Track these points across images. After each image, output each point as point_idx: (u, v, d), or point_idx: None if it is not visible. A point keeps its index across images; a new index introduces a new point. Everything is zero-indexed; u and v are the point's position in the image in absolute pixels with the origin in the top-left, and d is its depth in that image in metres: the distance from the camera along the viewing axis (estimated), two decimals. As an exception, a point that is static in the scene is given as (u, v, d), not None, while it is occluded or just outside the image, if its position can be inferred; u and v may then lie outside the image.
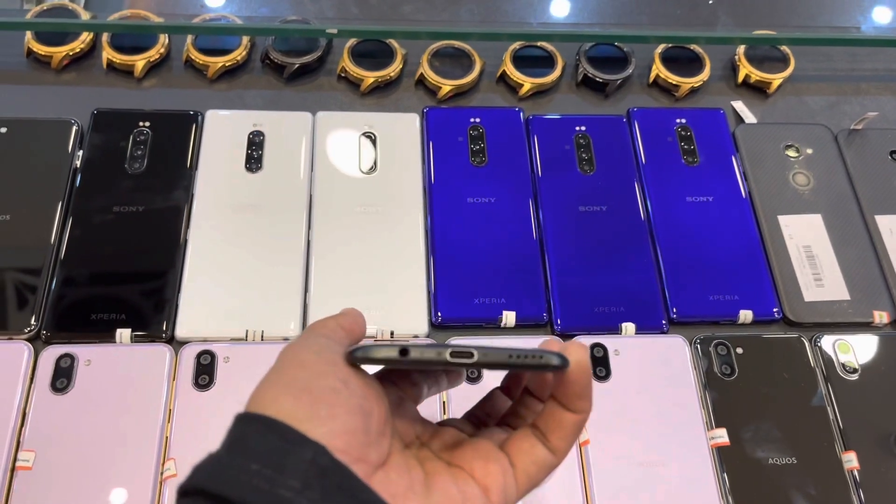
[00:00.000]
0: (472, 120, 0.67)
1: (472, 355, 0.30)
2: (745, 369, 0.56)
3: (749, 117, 0.70)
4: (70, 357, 0.53)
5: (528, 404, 0.35)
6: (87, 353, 0.53)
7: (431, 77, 0.68)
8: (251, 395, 0.30)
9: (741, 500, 0.51)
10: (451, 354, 0.30)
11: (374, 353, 0.30)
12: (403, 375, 0.36)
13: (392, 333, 0.56)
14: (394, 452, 0.31)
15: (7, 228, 0.58)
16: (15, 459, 0.49)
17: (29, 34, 0.67)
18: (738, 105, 0.71)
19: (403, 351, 0.30)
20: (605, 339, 0.57)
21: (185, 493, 0.27)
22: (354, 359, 0.30)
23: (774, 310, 0.60)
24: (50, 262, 0.57)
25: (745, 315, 0.59)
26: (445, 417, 0.38)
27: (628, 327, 0.58)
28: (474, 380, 0.53)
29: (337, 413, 0.28)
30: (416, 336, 0.56)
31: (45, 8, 0.68)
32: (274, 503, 0.26)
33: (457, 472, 0.32)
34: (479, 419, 0.37)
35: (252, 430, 0.28)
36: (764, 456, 0.53)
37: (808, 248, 0.62)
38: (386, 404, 0.32)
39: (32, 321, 0.54)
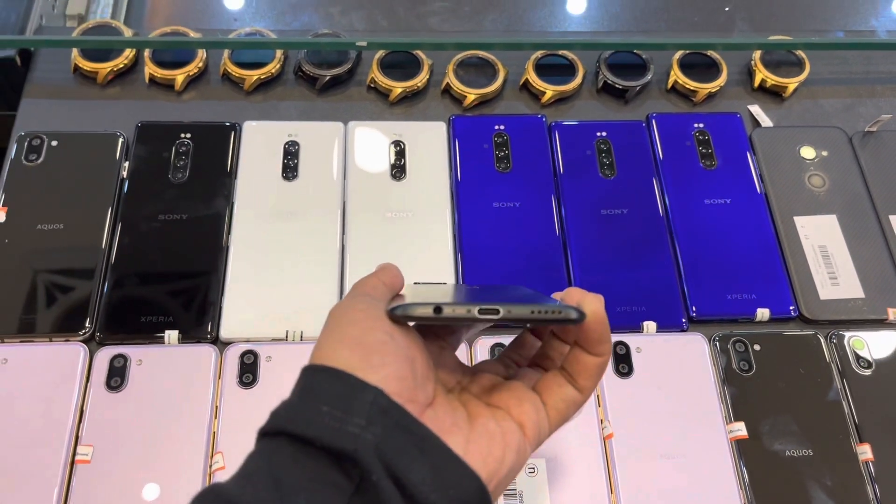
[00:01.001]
0: (496, 127, 0.70)
1: (497, 312, 0.33)
2: (763, 365, 0.59)
3: (765, 121, 0.72)
4: (123, 357, 0.56)
5: (555, 346, 0.39)
6: (138, 354, 0.57)
7: (457, 86, 0.71)
8: (312, 351, 0.34)
9: (760, 491, 0.54)
10: (480, 311, 0.33)
11: (411, 311, 0.34)
12: (442, 326, 0.40)
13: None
14: (438, 395, 0.35)
15: (60, 236, 0.61)
16: (74, 454, 0.53)
17: (75, 51, 0.70)
18: (755, 109, 0.73)
19: (437, 309, 0.33)
20: (627, 338, 0.59)
21: (265, 434, 0.32)
22: (394, 316, 0.34)
23: (791, 308, 0.62)
24: (101, 268, 0.60)
25: (763, 313, 0.61)
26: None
27: (649, 326, 0.60)
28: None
29: (387, 361, 0.33)
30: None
31: (90, 26, 0.72)
32: (344, 438, 0.30)
33: (495, 410, 0.35)
34: (513, 360, 0.41)
35: (320, 378, 0.32)
36: (781, 448, 0.55)
37: (824, 248, 0.65)
38: (426, 352, 0.36)
39: (87, 324, 0.58)
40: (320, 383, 0.32)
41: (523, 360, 0.41)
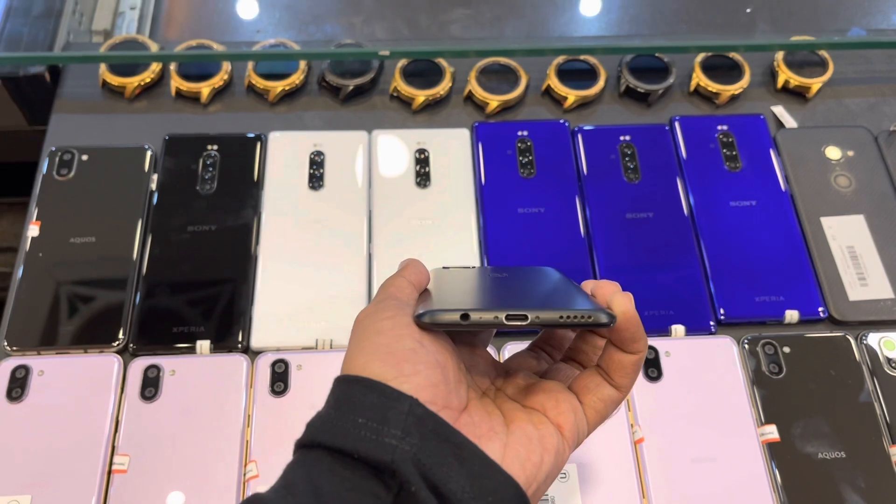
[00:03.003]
0: (519, 133, 0.70)
1: (526, 318, 0.33)
2: (793, 368, 0.58)
3: (789, 122, 0.72)
4: (156, 368, 0.57)
5: (589, 340, 0.39)
6: (171, 364, 0.57)
7: (479, 93, 0.72)
8: (343, 361, 0.35)
9: (793, 494, 0.54)
10: (507, 318, 0.33)
11: (438, 318, 0.34)
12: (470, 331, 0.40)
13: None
14: (472, 399, 0.36)
15: (93, 249, 0.62)
16: (111, 463, 0.54)
17: (103, 66, 0.71)
18: (779, 110, 0.73)
19: (464, 316, 0.33)
20: (656, 342, 0.59)
21: (303, 446, 0.32)
22: (421, 324, 0.34)
23: (820, 309, 0.62)
24: (133, 280, 0.61)
25: (791, 315, 0.61)
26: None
27: (678, 329, 0.60)
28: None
29: (419, 369, 0.33)
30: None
31: (117, 42, 0.73)
32: (381, 449, 0.30)
33: (532, 413, 0.36)
34: (546, 352, 0.41)
35: (354, 389, 0.32)
36: (813, 451, 0.55)
37: (852, 248, 0.64)
38: (457, 355, 0.36)
39: (120, 335, 0.59)
40: (355, 394, 0.32)
41: (557, 353, 0.41)
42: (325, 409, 0.33)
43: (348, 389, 0.33)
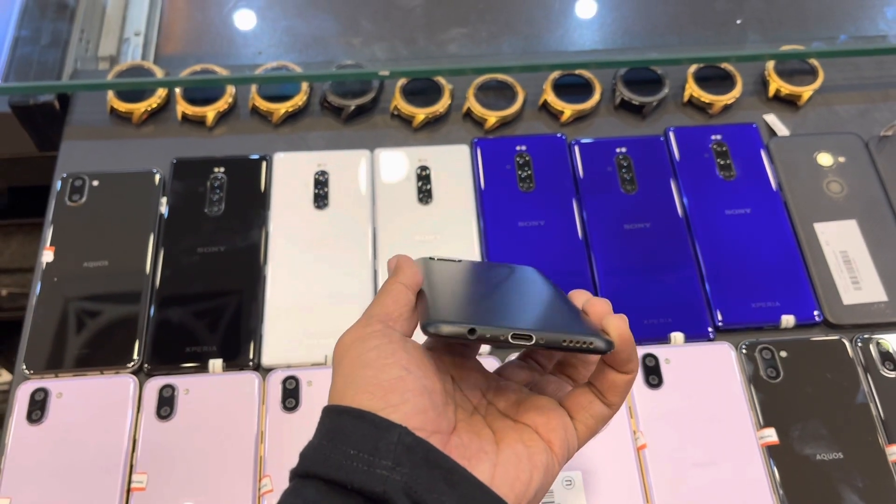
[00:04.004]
0: (518, 148, 0.72)
1: (530, 338, 0.34)
2: (790, 371, 0.60)
3: (781, 130, 0.74)
4: (171, 387, 0.59)
5: (581, 356, 0.40)
6: (185, 383, 0.59)
7: (478, 109, 0.73)
8: (332, 392, 0.36)
9: (792, 495, 0.55)
10: (512, 336, 0.34)
11: (444, 331, 0.34)
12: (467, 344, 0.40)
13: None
14: (461, 419, 0.37)
15: (106, 273, 0.64)
16: (130, 482, 0.55)
17: (111, 93, 0.73)
18: (771, 118, 0.75)
19: (471, 331, 0.34)
20: (655, 349, 0.61)
21: (298, 476, 0.34)
22: (427, 333, 0.34)
23: (815, 313, 0.63)
24: (146, 302, 0.63)
25: (787, 320, 0.63)
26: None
27: (677, 337, 0.62)
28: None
29: (407, 398, 0.34)
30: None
31: (123, 69, 0.75)
32: (374, 481, 0.31)
33: (522, 428, 0.36)
34: (537, 361, 0.42)
35: (345, 421, 0.33)
36: (812, 453, 0.57)
37: (845, 253, 0.66)
38: (443, 377, 0.37)
39: (135, 356, 0.60)
40: (346, 426, 0.33)
41: (547, 363, 0.42)
42: (318, 440, 0.34)
43: (339, 420, 0.33)
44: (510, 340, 0.34)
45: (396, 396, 0.33)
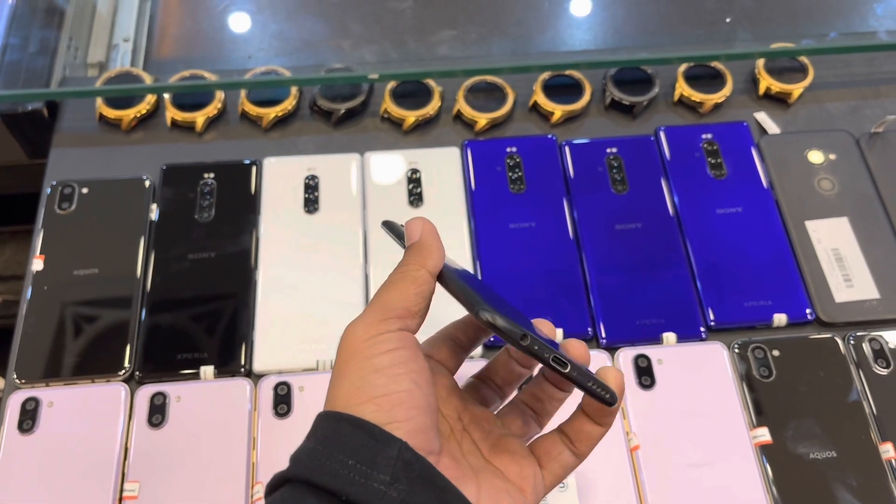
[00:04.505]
0: (508, 149, 0.72)
1: (566, 366, 0.34)
2: (783, 370, 0.60)
3: (772, 128, 0.74)
4: (162, 395, 0.58)
5: (547, 390, 0.39)
6: (176, 391, 0.59)
7: (468, 112, 0.73)
8: (332, 392, 0.33)
9: (786, 494, 0.55)
10: (553, 359, 0.33)
11: (500, 324, 0.32)
12: (452, 349, 0.40)
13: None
14: (444, 440, 0.36)
15: (96, 281, 0.64)
16: (122, 490, 0.55)
17: (100, 100, 0.73)
18: (761, 116, 0.75)
19: (524, 337, 0.33)
20: (648, 350, 0.61)
21: (287, 480, 0.32)
22: (481, 319, 0.33)
23: (807, 312, 0.63)
24: (137, 310, 0.62)
25: (780, 319, 0.63)
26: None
27: (669, 337, 0.62)
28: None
29: (412, 415, 0.33)
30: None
31: (112, 75, 0.75)
32: (369, 494, 0.30)
33: (495, 470, 0.36)
34: (494, 382, 0.41)
35: (344, 428, 0.32)
36: (805, 451, 0.57)
37: (837, 251, 0.66)
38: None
39: (126, 364, 0.60)
40: (344, 433, 0.32)
41: (507, 389, 0.41)
42: (312, 445, 0.32)
43: (337, 427, 0.32)
44: (550, 362, 0.33)
45: (402, 412, 0.32)
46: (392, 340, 0.34)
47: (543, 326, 0.39)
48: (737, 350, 0.61)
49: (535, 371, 0.42)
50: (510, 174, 0.70)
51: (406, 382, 0.33)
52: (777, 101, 0.76)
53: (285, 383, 0.59)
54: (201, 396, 0.59)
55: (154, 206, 0.68)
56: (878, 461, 0.56)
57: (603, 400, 0.34)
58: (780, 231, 0.67)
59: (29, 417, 0.57)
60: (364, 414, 0.32)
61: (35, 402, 0.58)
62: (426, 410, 0.33)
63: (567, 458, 0.37)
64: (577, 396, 0.37)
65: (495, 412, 0.41)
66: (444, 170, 0.71)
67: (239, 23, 0.85)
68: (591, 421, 0.36)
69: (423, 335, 0.38)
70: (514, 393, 0.42)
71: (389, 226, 0.42)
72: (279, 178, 0.70)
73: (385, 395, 0.33)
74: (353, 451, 0.31)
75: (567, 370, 0.34)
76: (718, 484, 0.55)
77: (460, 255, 0.66)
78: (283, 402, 0.58)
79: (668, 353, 0.61)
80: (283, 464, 0.56)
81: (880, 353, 0.61)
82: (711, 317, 0.63)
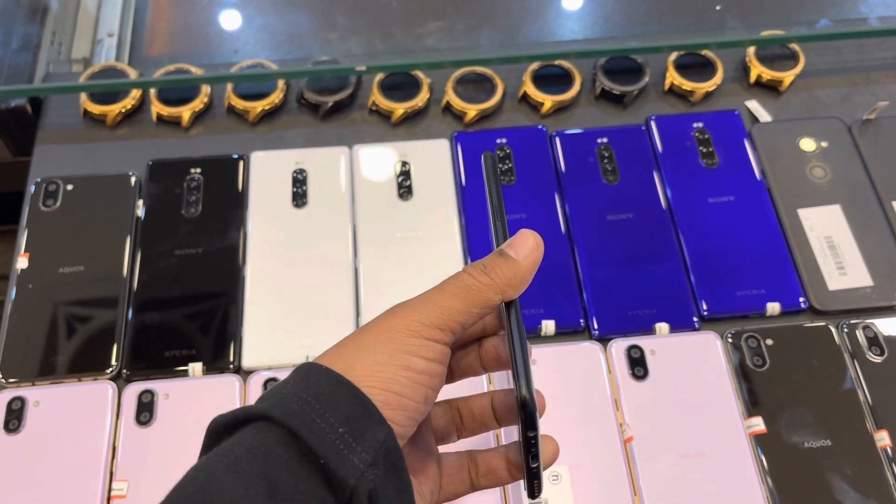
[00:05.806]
0: (498, 141, 0.71)
1: (536, 459, 0.35)
2: (776, 359, 0.59)
3: (763, 116, 0.73)
4: (150, 392, 0.58)
5: (487, 411, 0.40)
6: (164, 388, 0.58)
7: (457, 103, 0.73)
8: (345, 354, 0.33)
9: (781, 484, 0.55)
10: (532, 456, 0.35)
11: (529, 411, 0.34)
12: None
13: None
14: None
15: (82, 278, 0.63)
16: (110, 489, 0.54)
17: (84, 96, 0.72)
18: (752, 105, 0.74)
19: (532, 428, 0.34)
20: (640, 340, 0.60)
21: (266, 417, 0.31)
22: (519, 393, 0.33)
23: (800, 300, 0.63)
24: (124, 307, 0.62)
25: (773, 307, 0.62)
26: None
27: (662, 327, 0.61)
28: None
29: (408, 424, 0.33)
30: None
31: (96, 70, 0.74)
32: (347, 468, 0.30)
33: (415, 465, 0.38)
34: (461, 417, 0.40)
35: (342, 393, 0.31)
36: (800, 440, 0.56)
37: (829, 239, 0.65)
38: None
39: (113, 361, 0.59)
40: (341, 399, 0.31)
41: (464, 432, 0.41)
42: (303, 392, 0.31)
43: (336, 390, 0.31)
44: (529, 451, 0.35)
45: (403, 417, 0.33)
46: (436, 351, 0.34)
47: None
48: (730, 339, 0.60)
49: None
50: (501, 165, 0.70)
51: (422, 395, 0.33)
52: (768, 89, 0.75)
53: (275, 379, 0.58)
54: (190, 394, 0.58)
55: (140, 202, 0.67)
56: (874, 449, 0.56)
57: (531, 490, 0.36)
58: (773, 219, 0.66)
59: (15, 417, 0.57)
60: (372, 394, 0.32)
61: (21, 401, 0.57)
62: (420, 402, 0.34)
63: (463, 487, 0.38)
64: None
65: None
66: (434, 162, 0.70)
67: (225, 17, 0.84)
68: (510, 473, 0.38)
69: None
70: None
71: (493, 159, 0.41)
72: (267, 172, 0.69)
73: (398, 395, 0.32)
74: (345, 419, 0.31)
75: (534, 465, 0.35)
76: (713, 474, 0.55)
77: (451, 247, 0.65)
78: (272, 398, 0.58)
79: (661, 343, 0.60)
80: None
81: (874, 341, 0.60)
82: (704, 306, 0.62)
